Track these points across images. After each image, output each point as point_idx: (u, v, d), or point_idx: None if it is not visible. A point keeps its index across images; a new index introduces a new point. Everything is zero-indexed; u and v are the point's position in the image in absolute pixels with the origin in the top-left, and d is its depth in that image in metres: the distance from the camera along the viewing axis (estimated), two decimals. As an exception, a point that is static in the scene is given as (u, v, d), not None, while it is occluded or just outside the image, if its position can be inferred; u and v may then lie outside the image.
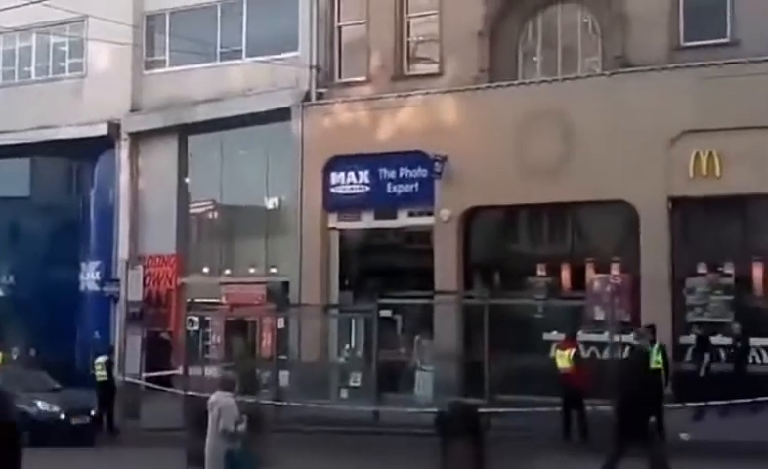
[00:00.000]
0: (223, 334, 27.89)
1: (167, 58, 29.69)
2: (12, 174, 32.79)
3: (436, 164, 23.80)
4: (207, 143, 28.85)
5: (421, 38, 25.66)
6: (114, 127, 30.01)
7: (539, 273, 23.41)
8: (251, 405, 16.30)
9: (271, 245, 27.85)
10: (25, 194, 33.20)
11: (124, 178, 30.11)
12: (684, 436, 16.97)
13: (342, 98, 25.86)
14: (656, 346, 18.09)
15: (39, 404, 21.49)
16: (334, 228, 26.08)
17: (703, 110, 21.17)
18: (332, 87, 26.24)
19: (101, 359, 24.20)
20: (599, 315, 22.07)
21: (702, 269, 21.69)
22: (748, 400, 18.49)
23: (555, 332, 21.84)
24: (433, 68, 25.07)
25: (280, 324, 25.41)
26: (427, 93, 24.55)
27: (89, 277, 30.94)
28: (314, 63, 26.29)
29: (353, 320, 25.38)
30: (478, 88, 23.92)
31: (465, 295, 23.74)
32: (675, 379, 19.21)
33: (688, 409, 18.71)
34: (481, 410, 14.73)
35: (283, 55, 26.64)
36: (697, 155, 21.35)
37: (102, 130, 30.02)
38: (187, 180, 29.54)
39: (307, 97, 26.33)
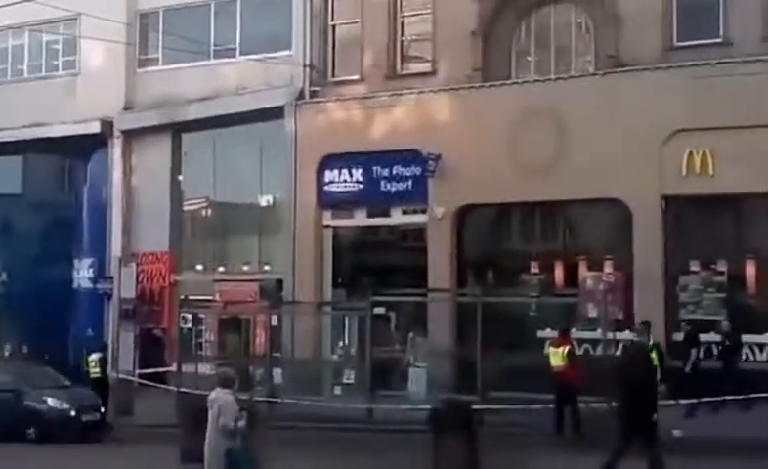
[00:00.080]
0: (216, 331, 27.88)
1: (161, 56, 29.64)
2: (4, 171, 32.82)
3: (429, 162, 23.86)
4: (201, 141, 28.80)
5: (415, 37, 25.68)
6: (107, 125, 29.94)
7: (533, 270, 23.50)
8: (245, 402, 16.30)
9: (264, 243, 27.90)
10: (18, 192, 33.23)
11: (117, 175, 30.05)
12: (676, 432, 17.02)
13: (336, 96, 25.89)
14: (650, 343, 18.18)
15: (49, 400, 21.54)
16: (328, 225, 26.13)
17: (695, 109, 21.27)
18: (326, 85, 26.26)
19: (94, 356, 24.30)
20: (592, 312, 22.21)
21: (695, 266, 21.77)
22: (740, 397, 18.60)
23: (548, 329, 21.91)
24: (426, 67, 25.11)
25: (274, 322, 25.38)
26: (421, 92, 24.60)
27: (82, 274, 30.87)
28: (307, 62, 26.30)
29: (346, 318, 25.41)
30: (471, 87, 23.97)
31: (459, 292, 23.79)
32: (668, 376, 19.25)
33: (680, 406, 18.78)
34: (474, 407, 14.81)
35: (277, 53, 26.66)
36: (690, 154, 21.45)
37: (95, 128, 29.96)
38: (180, 177, 29.51)
39: (301, 95, 26.35)
